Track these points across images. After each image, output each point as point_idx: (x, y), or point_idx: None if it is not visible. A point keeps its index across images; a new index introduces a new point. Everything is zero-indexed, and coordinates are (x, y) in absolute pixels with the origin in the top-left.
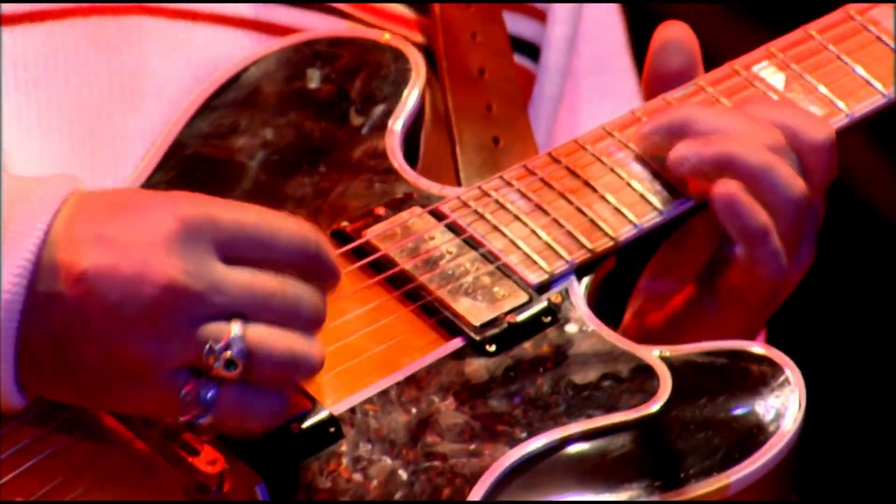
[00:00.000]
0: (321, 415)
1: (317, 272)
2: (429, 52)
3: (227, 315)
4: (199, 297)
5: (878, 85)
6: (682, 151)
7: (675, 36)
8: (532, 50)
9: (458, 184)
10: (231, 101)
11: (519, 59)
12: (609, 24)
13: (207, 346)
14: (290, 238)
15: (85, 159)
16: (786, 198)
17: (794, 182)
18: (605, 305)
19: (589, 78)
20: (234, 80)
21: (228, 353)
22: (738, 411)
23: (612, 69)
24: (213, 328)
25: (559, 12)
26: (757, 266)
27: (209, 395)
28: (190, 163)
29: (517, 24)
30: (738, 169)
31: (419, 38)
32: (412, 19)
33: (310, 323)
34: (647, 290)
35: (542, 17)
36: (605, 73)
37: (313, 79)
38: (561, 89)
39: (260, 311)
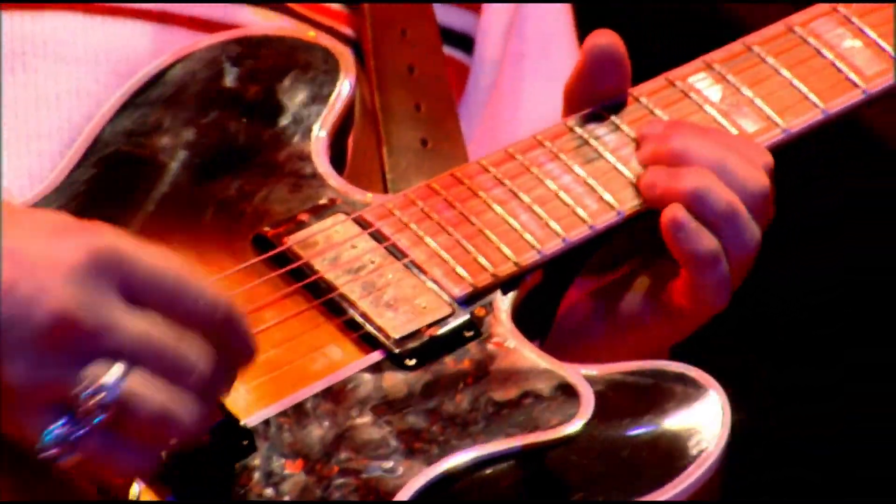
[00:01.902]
0: (234, 426)
1: (225, 342)
2: (358, 47)
3: (114, 358)
4: (88, 332)
5: (816, 100)
6: (653, 178)
7: (608, 52)
8: (465, 42)
9: (385, 186)
10: (155, 98)
11: (451, 52)
12: (555, 6)
13: (82, 387)
14: (200, 296)
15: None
16: (741, 246)
17: (750, 231)
18: (531, 320)
19: (533, 60)
20: (158, 77)
21: (98, 398)
22: (661, 433)
23: (557, 52)
24: (94, 369)
25: (495, 2)
26: (702, 291)
27: (75, 435)
28: (111, 161)
29: (449, 14)
30: (704, 209)
31: (348, 31)
32: (341, 12)
33: (202, 385)
34: (576, 303)
35: (476, 8)
36: (551, 57)
37: (239, 78)
38: (496, 79)
39: (149, 360)
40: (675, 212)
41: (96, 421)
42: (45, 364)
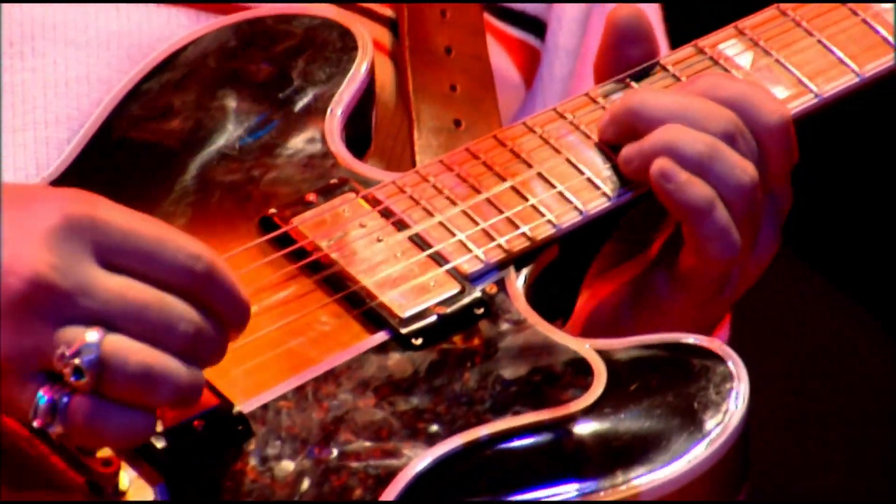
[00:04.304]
0: (228, 412)
1: (211, 300)
2: (397, 28)
3: (93, 320)
4: (64, 295)
5: (852, 64)
6: (626, 153)
7: (630, 23)
8: (537, 26)
9: (414, 167)
10: (165, 82)
11: (522, 35)
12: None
13: (60, 350)
14: (177, 255)
15: (6, 142)
16: (732, 185)
17: (740, 168)
18: (550, 298)
19: None
20: (169, 61)
21: (77, 361)
22: (676, 406)
23: None
24: (71, 332)
25: None
26: (704, 243)
27: (62, 401)
28: (117, 147)
29: None
30: (680, 160)
31: (389, 12)
32: None
33: (186, 345)
34: (598, 282)
35: None
36: None
37: (252, 59)
38: (574, 69)
39: (128, 321)
40: (661, 164)
41: (77, 383)
42: (24, 331)
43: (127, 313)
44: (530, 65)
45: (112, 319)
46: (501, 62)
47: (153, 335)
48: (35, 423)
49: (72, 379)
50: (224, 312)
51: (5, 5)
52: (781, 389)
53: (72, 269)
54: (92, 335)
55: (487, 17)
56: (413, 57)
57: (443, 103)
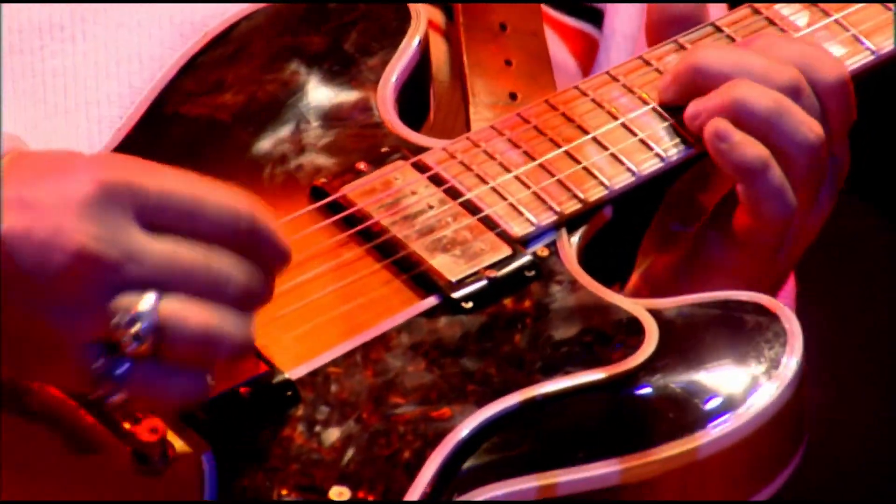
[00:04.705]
0: (276, 378)
1: (255, 249)
2: (450, 8)
3: (143, 286)
4: (112, 265)
5: None
6: (692, 109)
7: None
8: (594, 15)
9: None
10: (218, 57)
11: (579, 25)
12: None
13: (116, 320)
14: (219, 210)
15: (59, 125)
16: (798, 142)
17: (807, 125)
18: (605, 261)
19: None
20: (222, 36)
21: (136, 328)
22: (728, 362)
23: None
24: (125, 300)
25: None
26: (759, 203)
27: (120, 370)
28: (170, 121)
29: None
30: (748, 115)
31: None
32: None
33: (239, 299)
34: (658, 241)
35: None
36: None
37: (306, 32)
38: (632, 53)
39: (179, 283)
40: (716, 124)
41: (136, 350)
42: (76, 305)
43: (177, 274)
44: (588, 54)
45: (163, 282)
46: (559, 52)
47: (207, 291)
48: (98, 393)
49: (131, 347)
50: (269, 258)
51: None
52: (848, 346)
53: (115, 236)
54: (147, 301)
55: (544, 8)
56: (467, 33)
57: (498, 77)
